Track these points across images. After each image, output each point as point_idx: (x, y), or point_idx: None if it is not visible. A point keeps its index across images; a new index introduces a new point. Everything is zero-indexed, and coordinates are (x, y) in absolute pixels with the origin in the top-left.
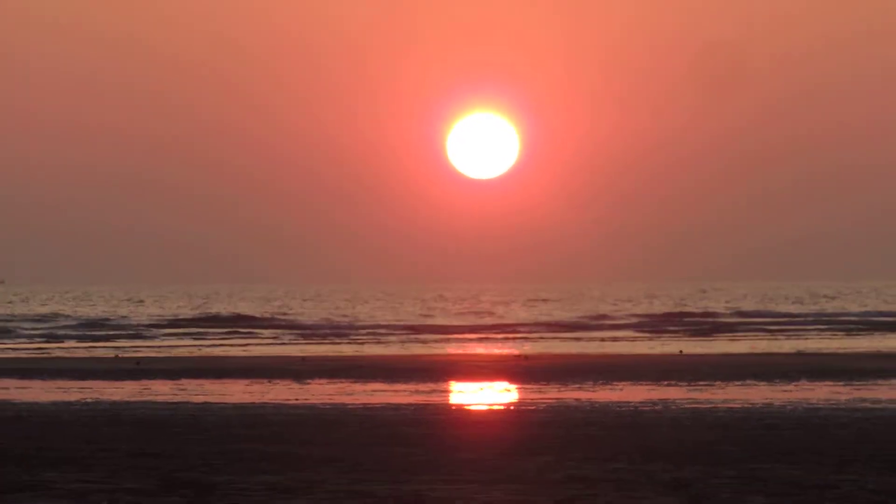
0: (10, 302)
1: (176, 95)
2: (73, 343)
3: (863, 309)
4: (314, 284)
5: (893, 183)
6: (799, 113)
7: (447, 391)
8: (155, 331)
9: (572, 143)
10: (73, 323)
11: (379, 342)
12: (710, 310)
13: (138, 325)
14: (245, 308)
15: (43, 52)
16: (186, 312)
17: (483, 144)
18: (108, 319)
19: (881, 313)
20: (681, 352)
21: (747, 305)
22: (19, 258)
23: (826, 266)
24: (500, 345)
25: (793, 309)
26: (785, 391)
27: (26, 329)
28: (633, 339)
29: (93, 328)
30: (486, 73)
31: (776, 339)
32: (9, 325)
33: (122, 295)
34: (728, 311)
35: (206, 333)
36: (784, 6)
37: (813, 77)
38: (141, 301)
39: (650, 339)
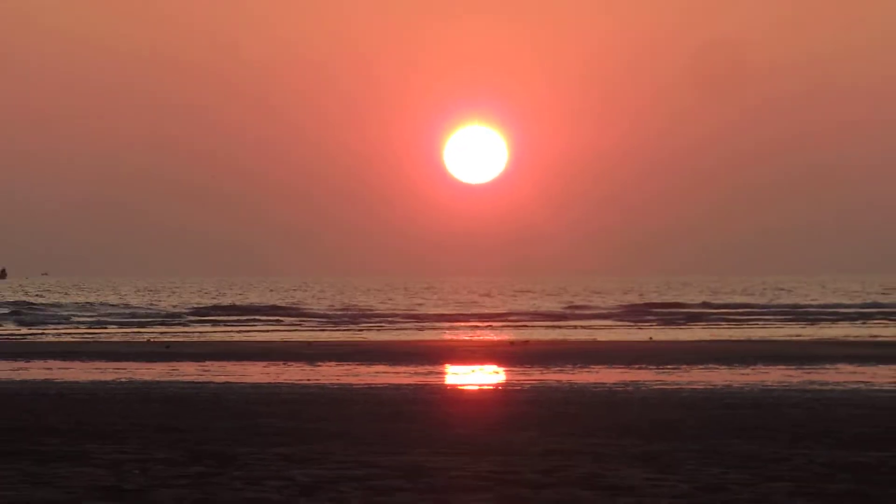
0: (48, 291)
1: (208, 109)
2: (108, 329)
3: (816, 301)
4: (323, 276)
5: (856, 184)
6: (764, 121)
7: (442, 373)
8: (179, 318)
9: (554, 152)
10: (106, 310)
11: (382, 329)
12: (679, 301)
13: (165, 313)
14: (260, 298)
15: (91, 69)
16: (206, 301)
17: (475, 153)
18: (137, 307)
19: (833, 305)
20: (650, 339)
21: (713, 298)
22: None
23: (789, 261)
24: (489, 332)
25: (753, 300)
26: (743, 374)
27: (65, 315)
28: (608, 328)
29: (123, 315)
30: (479, 90)
31: (737, 328)
32: (49, 312)
33: (143, 285)
34: (695, 303)
35: (225, 321)
36: (758, 19)
37: (781, 86)
38: (158, 291)
39: (623, 327)
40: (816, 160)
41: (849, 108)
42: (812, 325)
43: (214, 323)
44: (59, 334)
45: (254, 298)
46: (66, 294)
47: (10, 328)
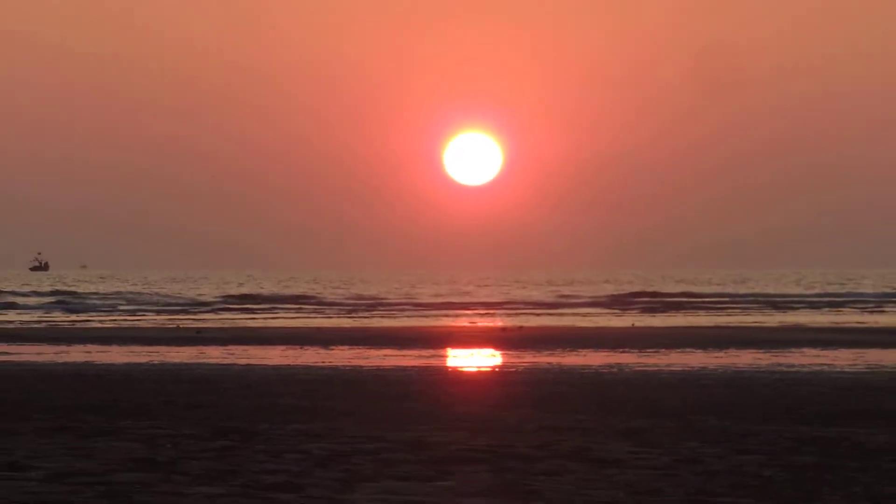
0: (87, 282)
1: (222, 120)
2: (142, 316)
3: (786, 291)
4: (332, 271)
5: (833, 185)
6: (750, 127)
7: (444, 356)
8: (205, 307)
9: (545, 157)
10: (141, 299)
11: (389, 316)
12: (659, 291)
13: (195, 302)
14: (281, 289)
15: (123, 82)
16: (232, 290)
17: (473, 157)
18: (168, 296)
19: (801, 295)
20: (633, 325)
21: (691, 288)
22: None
23: (764, 256)
24: (486, 319)
25: (726, 290)
26: (716, 357)
27: (97, 303)
28: (595, 315)
29: (155, 304)
30: (476, 101)
31: (712, 315)
32: (88, 301)
33: (171, 276)
34: (674, 293)
35: (248, 309)
36: (749, 24)
37: (769, 92)
38: (184, 281)
39: (608, 315)
40: (793, 164)
41: (837, 112)
42: (779, 312)
43: (243, 311)
44: (98, 321)
45: (274, 289)
46: (104, 284)
47: (54, 315)
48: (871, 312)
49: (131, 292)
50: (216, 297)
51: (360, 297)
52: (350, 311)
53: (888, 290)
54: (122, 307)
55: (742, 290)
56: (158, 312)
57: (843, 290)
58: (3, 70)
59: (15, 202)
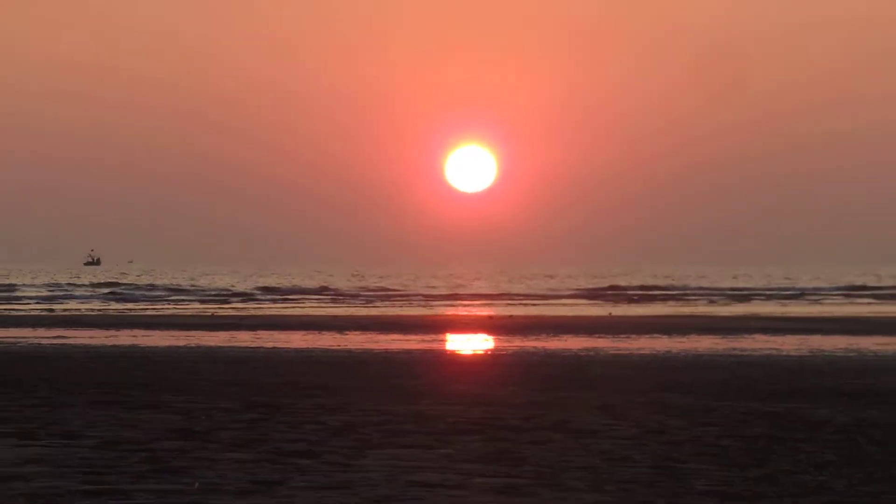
0: (135, 275)
1: (255, 134)
2: (180, 304)
3: (746, 284)
4: (350, 265)
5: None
6: (727, 136)
7: (444, 340)
8: (233, 297)
9: (534, 167)
10: (186, 290)
11: (396, 306)
12: (634, 284)
13: (219, 294)
14: (305, 282)
15: (159, 102)
16: (260, 283)
17: (471, 167)
18: (205, 288)
19: (759, 287)
20: (610, 314)
21: (660, 282)
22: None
23: (734, 253)
24: (480, 309)
25: (693, 283)
26: (680, 342)
27: (143, 294)
28: (576, 306)
29: (196, 294)
30: (472, 118)
31: (677, 306)
32: (137, 292)
33: (205, 270)
34: (646, 285)
35: (274, 299)
36: (745, 39)
37: (749, 105)
38: (217, 274)
39: (588, 305)
40: (766, 169)
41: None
42: (737, 303)
43: (270, 301)
44: (142, 309)
45: (296, 281)
46: (148, 277)
47: (106, 304)
48: (816, 304)
49: (172, 285)
50: (237, 289)
51: (371, 289)
52: (364, 302)
53: (834, 286)
54: (164, 297)
55: (705, 284)
56: (196, 302)
57: (796, 285)
58: (52, 77)
59: (71, 203)
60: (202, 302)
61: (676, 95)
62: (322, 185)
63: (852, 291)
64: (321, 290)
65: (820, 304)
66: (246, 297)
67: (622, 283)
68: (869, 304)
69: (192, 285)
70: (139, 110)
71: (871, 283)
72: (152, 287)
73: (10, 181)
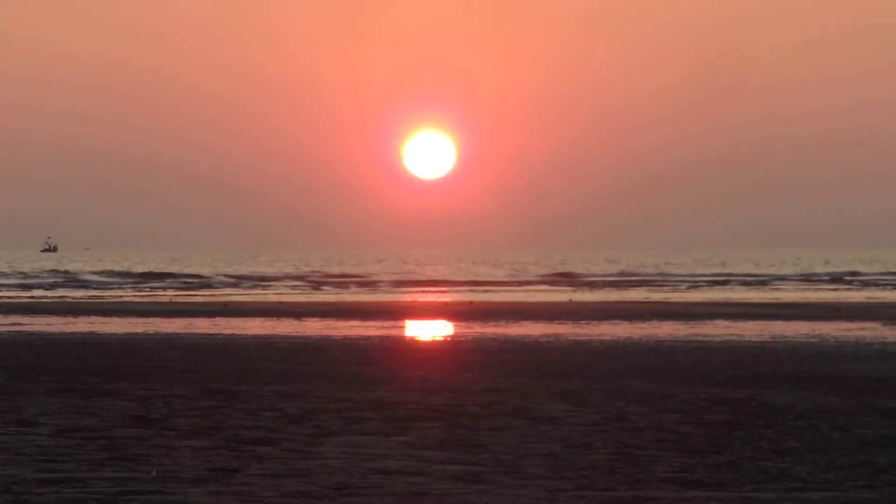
0: (91, 262)
1: (215, 120)
2: (140, 291)
3: (697, 271)
4: (311, 251)
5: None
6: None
7: (403, 327)
8: (191, 284)
9: (493, 153)
10: (137, 277)
11: (355, 292)
12: (593, 271)
13: (177, 280)
14: (255, 268)
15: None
16: (214, 269)
17: (429, 154)
18: (157, 275)
19: (719, 274)
20: (570, 300)
21: (624, 267)
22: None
23: (705, 238)
24: (439, 295)
25: (658, 270)
26: (640, 328)
27: (105, 282)
28: (536, 291)
29: (150, 279)
30: (431, 102)
31: (638, 291)
32: (93, 279)
33: (170, 256)
34: (606, 272)
35: (230, 285)
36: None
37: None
38: (181, 260)
39: (548, 291)
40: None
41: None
42: (697, 289)
43: (232, 287)
44: (99, 297)
45: (257, 268)
46: (104, 264)
47: (62, 292)
48: (783, 291)
49: (129, 271)
50: (206, 274)
51: (329, 276)
52: (323, 289)
53: (799, 272)
54: (121, 284)
55: (671, 271)
56: (153, 288)
57: (762, 272)
58: (21, 67)
59: (26, 191)
60: (160, 289)
61: (638, 74)
62: (278, 171)
63: (843, 278)
64: (279, 277)
65: (788, 290)
66: (203, 283)
67: (582, 269)
68: (848, 290)
69: (149, 271)
70: (95, 92)
71: (863, 269)
72: (109, 273)
73: None
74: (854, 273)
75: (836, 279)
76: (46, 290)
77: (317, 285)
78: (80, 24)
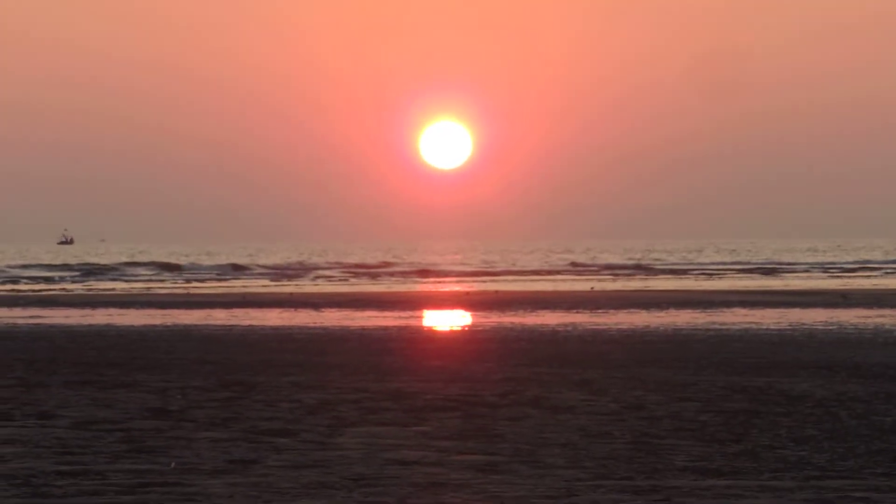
0: (107, 254)
1: (231, 115)
2: (157, 283)
3: (719, 259)
4: (329, 242)
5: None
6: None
7: (420, 317)
8: (208, 275)
9: (510, 143)
10: (154, 269)
11: (371, 282)
12: (611, 262)
13: (194, 272)
14: (272, 259)
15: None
16: (232, 260)
17: (445, 144)
18: (176, 266)
19: (734, 262)
20: (592, 289)
21: (639, 258)
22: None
23: (719, 227)
24: (457, 285)
25: (672, 259)
26: (658, 316)
27: (123, 274)
28: (552, 280)
29: (170, 271)
30: (448, 93)
31: (656, 280)
32: (110, 272)
33: (188, 250)
34: (624, 262)
35: (247, 276)
36: (736, 36)
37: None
38: (178, 254)
39: (565, 280)
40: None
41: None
42: (713, 278)
43: (249, 278)
44: (120, 288)
45: (274, 259)
46: (124, 256)
47: (81, 284)
48: (797, 278)
49: (146, 263)
50: (225, 265)
51: (345, 266)
52: (339, 279)
53: (816, 261)
54: (139, 276)
55: (688, 258)
56: (172, 280)
57: (782, 260)
58: (39, 65)
59: (43, 184)
60: (178, 280)
61: (656, 63)
62: (293, 162)
63: (859, 266)
64: (295, 267)
65: (804, 278)
66: (222, 274)
67: (599, 259)
68: (868, 277)
69: (167, 263)
70: (107, 89)
71: (874, 257)
72: (131, 265)
73: None
74: (865, 262)
75: (846, 269)
76: (64, 281)
77: (332, 276)
78: (93, 20)
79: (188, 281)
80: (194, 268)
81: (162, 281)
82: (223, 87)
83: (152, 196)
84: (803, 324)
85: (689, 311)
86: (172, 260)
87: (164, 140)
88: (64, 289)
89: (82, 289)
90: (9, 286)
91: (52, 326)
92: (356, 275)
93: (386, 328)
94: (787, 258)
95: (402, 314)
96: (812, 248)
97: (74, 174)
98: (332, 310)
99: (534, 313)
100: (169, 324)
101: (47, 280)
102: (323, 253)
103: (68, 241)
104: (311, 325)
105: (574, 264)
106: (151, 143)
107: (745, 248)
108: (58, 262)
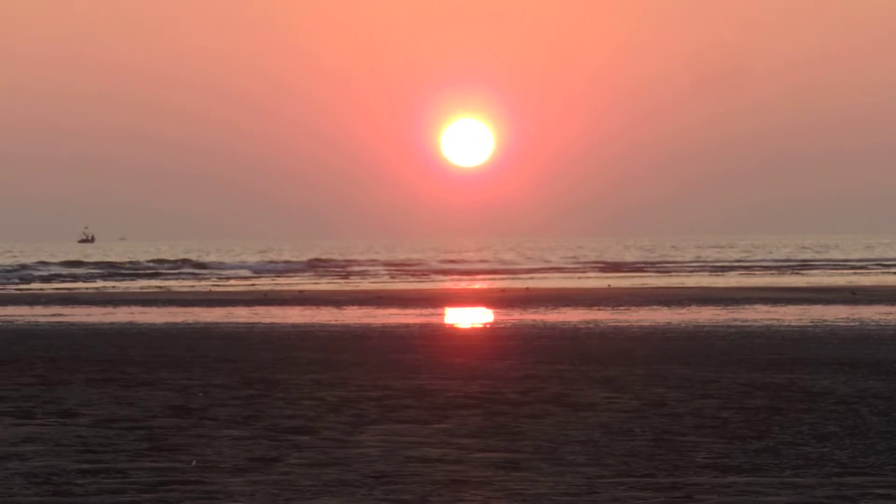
0: (129, 252)
1: (240, 119)
2: (178, 281)
3: (738, 255)
4: (353, 240)
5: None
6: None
7: (442, 314)
8: (230, 273)
9: (532, 141)
10: (176, 267)
11: (392, 280)
12: (627, 260)
13: (213, 270)
14: (291, 256)
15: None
16: (255, 257)
17: (467, 141)
18: (196, 264)
19: (751, 259)
20: (609, 286)
21: (657, 256)
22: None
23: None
24: (479, 282)
25: (688, 256)
26: (679, 313)
27: (143, 272)
28: (572, 278)
29: (190, 266)
30: (470, 91)
31: (676, 277)
32: (130, 270)
33: (213, 246)
34: (642, 260)
35: (270, 274)
36: (735, 29)
37: (742, 92)
38: (197, 252)
39: (585, 277)
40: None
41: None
42: (733, 274)
43: (271, 276)
44: (139, 287)
45: (294, 256)
46: (145, 254)
47: (104, 283)
48: (820, 274)
49: (167, 260)
50: (247, 263)
51: (362, 263)
52: (359, 276)
53: (840, 258)
54: (161, 273)
55: (706, 255)
56: (192, 278)
57: (799, 257)
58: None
59: (60, 183)
60: (199, 278)
61: (681, 67)
62: (315, 158)
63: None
64: (315, 265)
65: (826, 275)
66: (243, 271)
67: (620, 256)
68: (882, 274)
69: (186, 261)
70: (128, 92)
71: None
72: (148, 265)
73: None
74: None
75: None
76: (84, 279)
77: (352, 273)
78: (98, 21)
79: (227, 279)
80: (220, 266)
81: (184, 278)
82: (236, 88)
83: (170, 195)
84: (825, 320)
85: (711, 307)
86: (192, 257)
87: (187, 137)
88: (85, 286)
89: (103, 286)
90: (35, 284)
91: (73, 324)
92: (375, 273)
93: (407, 325)
94: (806, 255)
95: (423, 311)
96: (833, 245)
97: (93, 173)
98: (354, 307)
99: (554, 310)
100: (191, 321)
101: (73, 278)
102: (342, 250)
103: (89, 240)
104: (333, 322)
105: (602, 262)
106: (170, 143)
107: (762, 245)
108: (83, 259)
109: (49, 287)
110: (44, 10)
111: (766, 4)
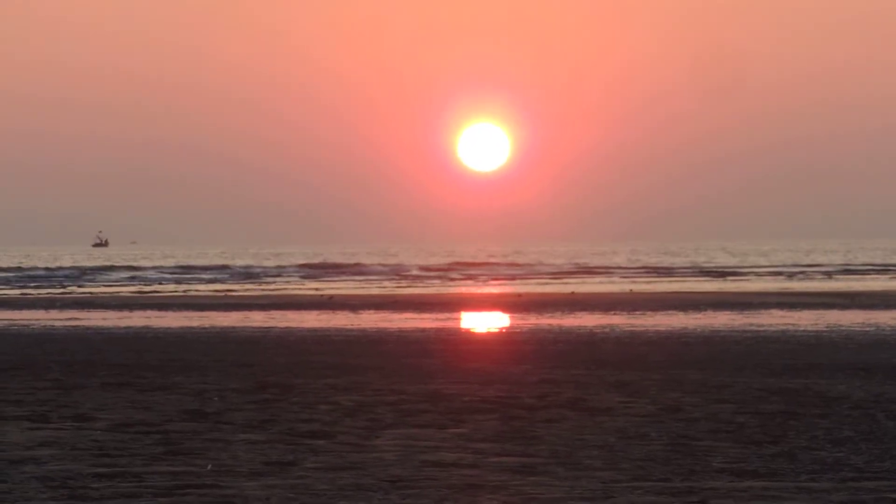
0: (143, 257)
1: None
2: (193, 285)
3: (757, 262)
4: (370, 244)
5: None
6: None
7: (459, 319)
8: (247, 277)
9: (549, 146)
10: (192, 272)
11: (406, 284)
12: (647, 263)
13: (233, 273)
14: (302, 259)
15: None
16: (273, 262)
17: (483, 146)
18: (214, 268)
19: (773, 265)
20: (631, 290)
21: (677, 261)
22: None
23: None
24: (495, 286)
25: (702, 259)
26: (695, 318)
27: (158, 276)
28: (588, 283)
29: (193, 271)
30: (486, 95)
31: (692, 282)
32: (145, 274)
33: (196, 251)
34: (660, 264)
35: (286, 279)
36: (745, 36)
37: (755, 101)
38: (214, 255)
39: (599, 282)
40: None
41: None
42: (746, 280)
43: (275, 281)
44: (155, 291)
45: (298, 260)
46: (160, 259)
47: (117, 286)
48: (832, 280)
49: (182, 265)
50: (267, 267)
51: (380, 267)
52: (376, 281)
53: (847, 262)
54: (176, 278)
55: (717, 262)
56: (208, 282)
57: (810, 262)
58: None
59: (73, 186)
60: (214, 282)
61: (702, 75)
62: (329, 163)
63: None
64: (372, 270)
65: (841, 280)
66: (262, 276)
67: (639, 261)
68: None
69: (203, 265)
70: (144, 95)
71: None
72: (162, 269)
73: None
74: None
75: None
76: (101, 283)
77: (369, 277)
78: (124, 16)
79: (280, 283)
80: (210, 269)
81: (199, 283)
82: (250, 96)
83: (181, 199)
84: (840, 325)
85: (727, 312)
86: (191, 262)
87: (200, 142)
88: (101, 290)
89: (118, 290)
90: (51, 290)
91: (88, 328)
92: (391, 278)
93: (423, 330)
94: (821, 259)
95: (439, 316)
96: (848, 250)
97: (107, 176)
98: (370, 312)
99: (570, 315)
100: (206, 326)
101: (83, 282)
102: (349, 254)
103: (103, 244)
104: (349, 326)
105: (620, 267)
106: (185, 146)
107: (775, 249)
108: (94, 264)
109: (67, 290)
110: (52, 19)
111: (791, 14)
